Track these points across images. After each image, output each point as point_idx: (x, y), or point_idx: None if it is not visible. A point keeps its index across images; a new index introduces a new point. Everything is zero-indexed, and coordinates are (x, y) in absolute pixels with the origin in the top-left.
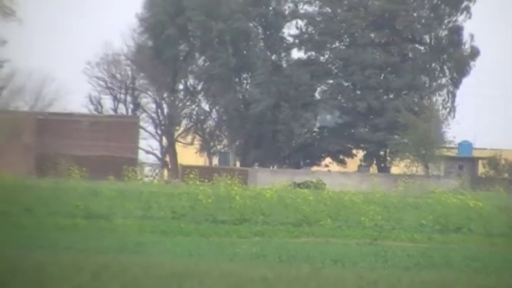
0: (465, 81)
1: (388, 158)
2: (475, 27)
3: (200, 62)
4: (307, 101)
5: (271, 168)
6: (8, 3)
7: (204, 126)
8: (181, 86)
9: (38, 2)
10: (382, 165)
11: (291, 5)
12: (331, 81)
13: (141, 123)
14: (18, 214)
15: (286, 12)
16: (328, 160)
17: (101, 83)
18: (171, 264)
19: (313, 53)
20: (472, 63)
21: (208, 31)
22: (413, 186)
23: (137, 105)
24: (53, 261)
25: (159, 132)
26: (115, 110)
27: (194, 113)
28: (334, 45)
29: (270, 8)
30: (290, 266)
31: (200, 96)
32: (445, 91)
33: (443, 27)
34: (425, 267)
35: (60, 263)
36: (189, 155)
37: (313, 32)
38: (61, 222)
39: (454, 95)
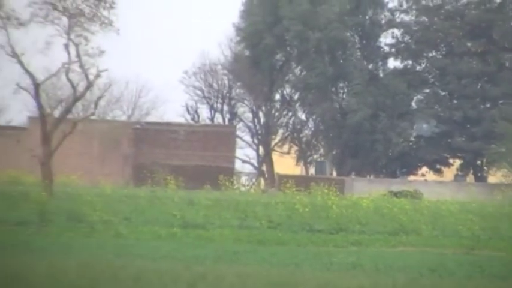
0: None
1: (485, 168)
2: None
3: (297, 71)
4: (404, 111)
5: (367, 177)
6: (106, 13)
7: (301, 135)
8: (277, 96)
9: (135, 12)
10: (479, 174)
11: (387, 14)
12: (427, 91)
13: (238, 133)
14: (117, 223)
15: (383, 22)
16: (424, 169)
17: (198, 92)
18: (267, 273)
19: (409, 62)
20: None
21: (305, 41)
22: (511, 195)
23: (234, 115)
24: (151, 270)
25: (256, 141)
26: (212, 119)
27: (291, 122)
28: (430, 54)
29: (367, 17)
30: (387, 276)
31: (297, 106)
32: None
33: None
34: None
35: (158, 272)
36: (285, 164)
37: (409, 41)
38: (159, 232)
39: None
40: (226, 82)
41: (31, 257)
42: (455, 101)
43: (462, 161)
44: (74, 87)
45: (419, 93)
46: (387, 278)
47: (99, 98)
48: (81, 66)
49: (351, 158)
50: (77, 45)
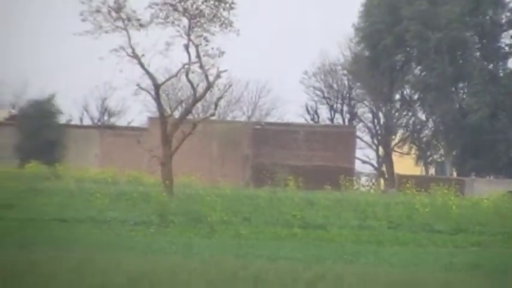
0: None
1: None
2: None
3: (417, 71)
4: None
5: (488, 178)
6: (226, 14)
7: (421, 135)
8: (397, 96)
9: (255, 13)
10: None
11: (508, 14)
12: None
13: (358, 133)
14: (237, 223)
15: (503, 21)
16: None
17: (318, 92)
18: (387, 274)
19: None
20: None
21: (425, 41)
22: None
23: (354, 115)
24: (272, 270)
25: (376, 141)
26: (331, 119)
27: (410, 122)
28: None
29: (487, 18)
30: (507, 277)
31: (416, 106)
32: None
33: None
34: None
35: (278, 272)
36: (405, 164)
37: None
38: (278, 232)
39: None
40: (345, 82)
41: (152, 258)
42: None
43: None
44: (193, 88)
45: None
46: (508, 279)
47: (219, 98)
48: (201, 66)
49: (471, 158)
50: (197, 46)
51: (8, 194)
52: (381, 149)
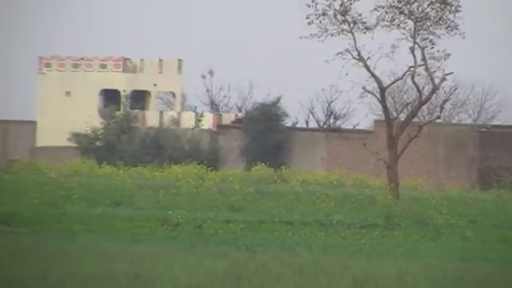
0: None
1: None
2: None
3: None
4: None
5: None
6: (452, 16)
7: None
8: None
9: (479, 14)
10: None
11: None
12: None
13: None
14: (463, 226)
15: None
16: None
17: None
18: None
19: None
20: None
21: None
22: None
23: None
24: (498, 275)
25: None
26: None
27: None
28: None
29: None
30: None
31: None
32: None
33: None
34: None
35: (507, 277)
36: None
37: None
38: (505, 235)
39: None
40: None
41: (378, 261)
42: None
43: None
44: (419, 90)
45: None
46: None
47: (445, 101)
48: (427, 69)
49: None
50: (422, 49)
51: (236, 197)
52: None
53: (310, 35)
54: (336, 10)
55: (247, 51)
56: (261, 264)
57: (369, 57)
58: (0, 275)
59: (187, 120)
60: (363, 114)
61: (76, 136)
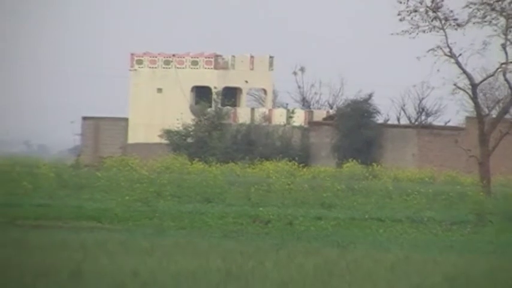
0: None
1: None
2: None
3: None
4: None
5: None
6: None
7: None
8: None
9: None
10: None
11: None
12: None
13: None
14: None
15: None
16: None
17: None
18: None
19: None
20: None
21: None
22: None
23: None
24: None
25: None
26: None
27: None
28: None
29: None
30: None
31: None
32: None
33: None
34: None
35: None
36: None
37: None
38: None
39: None
40: None
41: (469, 257)
42: None
43: None
44: (511, 87)
45: None
46: None
47: None
48: None
49: None
50: None
51: (327, 194)
52: None
53: (402, 31)
54: (427, 7)
55: (338, 48)
56: (352, 261)
57: (460, 54)
58: (92, 271)
59: (279, 116)
60: (455, 111)
61: (167, 133)
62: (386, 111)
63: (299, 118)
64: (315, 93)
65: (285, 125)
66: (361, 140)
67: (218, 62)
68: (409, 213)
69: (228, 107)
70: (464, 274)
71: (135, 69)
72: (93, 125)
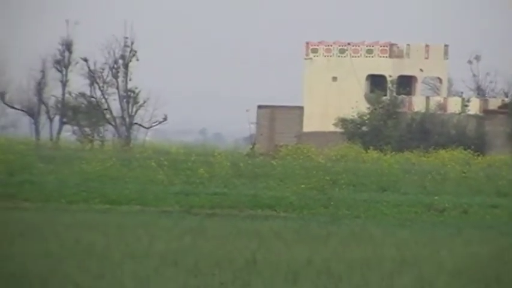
0: None
1: None
2: None
3: None
4: None
5: None
6: None
7: None
8: None
9: None
10: None
11: None
12: None
13: None
14: None
15: None
16: None
17: None
18: None
19: None
20: None
21: None
22: None
23: None
24: None
25: None
26: None
27: None
28: None
29: None
30: None
31: None
32: None
33: None
34: None
35: None
36: None
37: None
38: None
39: None
40: None
41: None
42: None
43: None
44: None
45: None
46: None
47: None
48: None
49: None
50: None
51: (502, 182)
52: None
53: None
54: None
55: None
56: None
57: None
58: (267, 259)
59: (454, 105)
60: None
61: (342, 121)
62: None
63: (474, 107)
64: (490, 82)
65: (459, 114)
66: None
67: (393, 51)
68: None
69: (403, 96)
70: None
71: (310, 58)
72: (269, 113)
